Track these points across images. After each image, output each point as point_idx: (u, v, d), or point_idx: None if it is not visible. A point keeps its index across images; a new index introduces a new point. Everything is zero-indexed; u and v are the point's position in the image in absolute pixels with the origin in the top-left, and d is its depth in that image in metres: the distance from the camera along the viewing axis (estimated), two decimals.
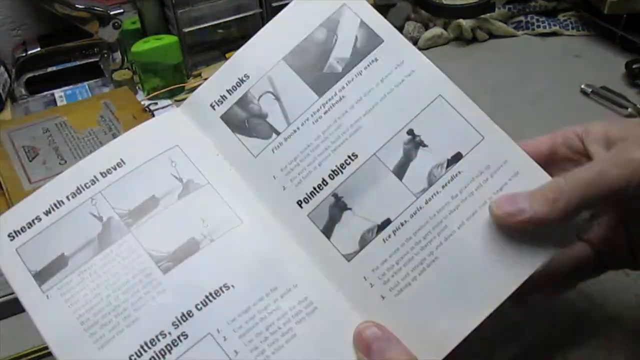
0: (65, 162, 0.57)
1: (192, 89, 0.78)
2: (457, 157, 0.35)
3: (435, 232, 0.34)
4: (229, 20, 0.83)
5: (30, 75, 0.78)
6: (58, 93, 0.78)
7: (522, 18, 0.88)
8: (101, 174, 0.37)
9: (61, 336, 0.32)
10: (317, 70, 0.38)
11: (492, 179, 0.34)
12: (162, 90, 0.76)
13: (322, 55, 0.38)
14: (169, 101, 0.76)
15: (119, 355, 0.31)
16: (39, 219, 0.35)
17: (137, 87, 0.79)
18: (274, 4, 0.84)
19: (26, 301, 0.33)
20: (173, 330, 0.32)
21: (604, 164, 0.32)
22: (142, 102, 0.69)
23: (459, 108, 0.37)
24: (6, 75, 0.79)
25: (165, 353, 0.31)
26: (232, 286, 0.33)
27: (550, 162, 0.37)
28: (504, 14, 0.88)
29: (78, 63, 0.80)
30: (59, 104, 0.76)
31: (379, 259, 0.34)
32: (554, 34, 0.86)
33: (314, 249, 0.35)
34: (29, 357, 0.43)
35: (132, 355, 0.31)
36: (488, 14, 0.85)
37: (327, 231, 0.35)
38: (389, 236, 0.34)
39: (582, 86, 0.71)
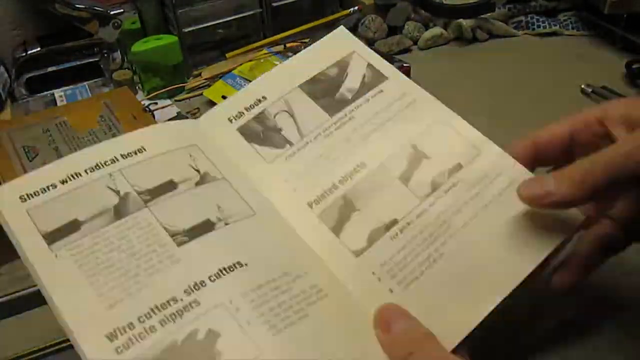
0: None
1: (192, 89, 0.79)
2: (458, 167, 0.38)
3: (441, 231, 0.36)
4: (229, 20, 0.83)
5: (30, 75, 0.78)
6: (58, 93, 0.78)
7: (522, 18, 0.88)
8: (122, 155, 0.38)
9: (68, 294, 0.31)
10: (329, 96, 0.42)
11: (492, 185, 0.37)
12: (162, 90, 0.76)
13: (334, 85, 0.43)
14: (169, 101, 0.76)
15: (128, 315, 0.31)
16: (54, 186, 0.36)
17: (137, 87, 0.79)
18: (274, 4, 0.84)
19: (33, 259, 0.32)
20: (185, 297, 0.32)
21: (630, 146, 0.32)
22: (142, 102, 0.68)
23: (458, 128, 0.41)
24: (6, 75, 0.79)
25: (176, 317, 0.31)
26: (246, 264, 0.34)
27: (571, 147, 0.38)
28: (504, 14, 0.88)
29: (78, 63, 0.80)
30: (59, 104, 0.76)
31: (387, 254, 0.35)
32: (554, 34, 0.86)
33: (324, 246, 0.36)
34: (29, 357, 0.43)
35: (141, 317, 0.31)
36: (488, 14, 0.85)
37: (337, 230, 0.37)
38: (396, 234, 0.36)
39: (582, 86, 0.71)
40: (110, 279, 0.32)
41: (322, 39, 0.46)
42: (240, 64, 0.80)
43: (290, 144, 0.40)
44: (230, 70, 0.79)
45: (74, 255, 0.33)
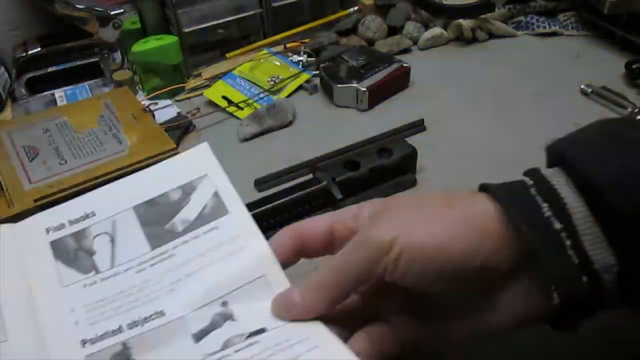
0: (65, 162, 0.57)
1: (192, 89, 0.79)
2: (260, 331, 0.35)
3: None
4: (229, 20, 0.83)
5: (30, 75, 0.78)
6: (58, 93, 0.78)
7: (522, 18, 0.88)
8: None
9: None
10: (159, 225, 0.39)
11: (290, 349, 0.33)
12: (162, 90, 0.76)
13: (170, 213, 0.40)
14: (169, 101, 0.76)
15: None
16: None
17: (137, 87, 0.79)
18: (274, 4, 0.84)
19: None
20: None
21: (347, 248, 0.33)
22: (142, 102, 0.68)
23: (277, 290, 0.36)
24: (6, 75, 0.79)
25: None
26: None
27: (330, 241, 0.37)
28: (504, 14, 0.89)
29: (78, 63, 0.80)
30: (59, 104, 0.76)
31: None
32: (554, 34, 0.86)
33: None
34: None
35: None
36: (488, 14, 0.85)
37: None
38: None
39: (582, 86, 0.71)
40: None
41: (180, 154, 0.43)
42: (241, 64, 0.80)
43: (97, 271, 0.37)
44: (230, 70, 0.79)
45: None
